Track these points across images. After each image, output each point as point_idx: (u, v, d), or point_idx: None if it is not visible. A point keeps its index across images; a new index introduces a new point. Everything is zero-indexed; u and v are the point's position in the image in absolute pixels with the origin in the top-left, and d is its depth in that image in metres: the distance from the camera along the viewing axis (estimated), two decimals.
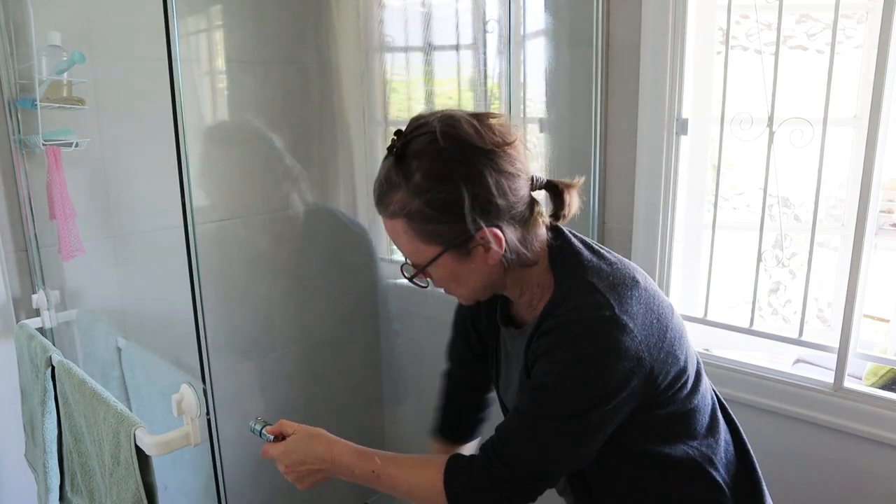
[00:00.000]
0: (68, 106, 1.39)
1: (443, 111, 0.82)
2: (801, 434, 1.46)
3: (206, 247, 1.78)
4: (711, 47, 1.54)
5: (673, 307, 0.89)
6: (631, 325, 0.80)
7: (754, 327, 1.54)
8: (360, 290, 2.24)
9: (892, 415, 1.34)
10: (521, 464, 0.84)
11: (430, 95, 1.94)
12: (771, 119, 1.43)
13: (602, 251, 0.90)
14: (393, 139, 0.81)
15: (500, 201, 0.79)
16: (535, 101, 1.77)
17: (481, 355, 1.08)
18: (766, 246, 1.52)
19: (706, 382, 0.95)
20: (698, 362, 0.92)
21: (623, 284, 0.83)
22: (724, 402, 1.00)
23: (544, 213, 0.88)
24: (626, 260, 0.90)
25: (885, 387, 1.58)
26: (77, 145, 1.40)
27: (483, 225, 0.79)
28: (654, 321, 0.83)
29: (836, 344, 1.41)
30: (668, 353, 0.84)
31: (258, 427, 1.01)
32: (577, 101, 1.62)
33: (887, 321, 1.88)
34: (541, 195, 0.89)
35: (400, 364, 2.30)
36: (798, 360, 1.71)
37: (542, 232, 0.88)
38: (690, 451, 0.90)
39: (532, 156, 0.85)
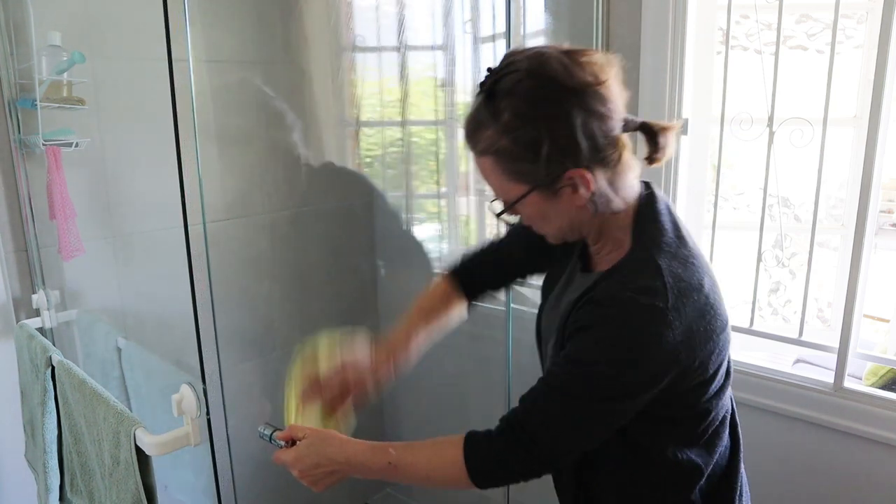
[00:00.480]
0: (68, 106, 1.39)
1: (535, 48, 0.79)
2: (801, 434, 1.46)
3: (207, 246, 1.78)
4: (711, 47, 1.54)
5: (727, 321, 0.84)
6: (677, 323, 0.77)
7: (754, 327, 1.54)
8: (360, 290, 2.24)
9: (892, 415, 1.34)
10: (548, 438, 0.83)
11: (405, 96, 1.94)
12: (771, 119, 1.43)
13: (686, 237, 0.86)
14: (485, 75, 0.80)
15: (587, 143, 0.77)
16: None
17: (542, 257, 1.05)
18: (766, 246, 1.52)
19: (727, 395, 0.93)
20: (728, 373, 0.89)
21: (689, 283, 0.80)
22: (737, 419, 0.99)
23: (637, 157, 0.84)
24: (703, 257, 0.86)
25: (885, 387, 1.58)
26: (77, 145, 1.40)
27: (570, 166, 0.78)
28: (702, 329, 0.80)
29: (836, 344, 1.41)
30: (701, 364, 0.81)
31: (267, 433, 1.00)
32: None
33: (887, 321, 1.88)
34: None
35: None
36: (798, 360, 1.71)
37: (634, 179, 0.84)
38: (681, 457, 0.88)
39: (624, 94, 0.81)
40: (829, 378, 1.43)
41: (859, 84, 1.52)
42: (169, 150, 0.93)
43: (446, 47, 1.84)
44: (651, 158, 0.86)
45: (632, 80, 1.52)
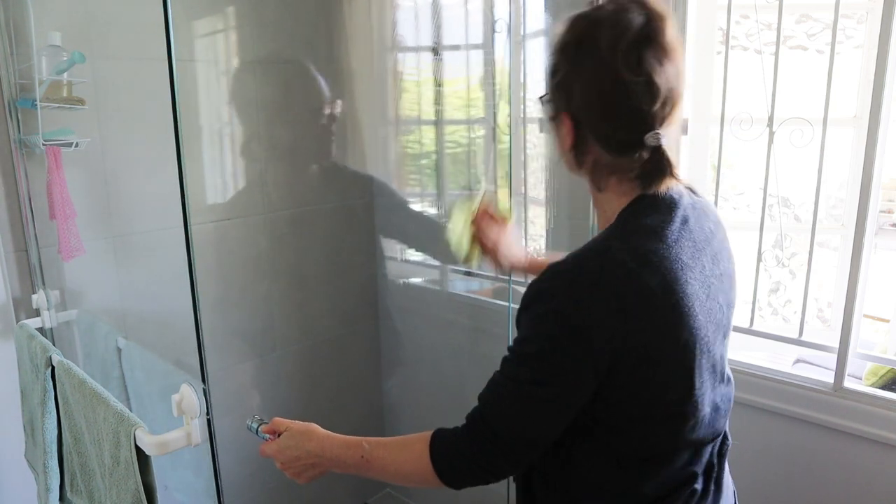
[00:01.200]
0: (68, 106, 1.39)
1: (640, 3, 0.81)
2: (801, 434, 1.46)
3: (206, 247, 1.78)
4: (711, 47, 1.54)
5: (694, 347, 0.80)
6: (604, 303, 0.75)
7: (754, 327, 1.54)
8: (360, 290, 2.24)
9: (892, 415, 1.34)
10: (506, 429, 0.82)
11: (439, 95, 1.94)
12: (771, 119, 1.43)
13: (669, 243, 0.81)
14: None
15: (593, 111, 0.81)
16: (536, 102, 1.77)
17: None
18: (766, 246, 1.52)
19: (686, 437, 0.85)
20: (695, 411, 0.83)
21: (632, 270, 0.77)
22: (714, 481, 0.92)
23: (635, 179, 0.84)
24: (684, 272, 0.81)
25: (885, 387, 1.58)
26: (77, 145, 1.40)
27: (564, 109, 0.84)
28: (640, 323, 0.76)
29: (836, 344, 1.41)
30: (640, 360, 0.77)
31: (254, 425, 1.04)
32: None
33: (887, 321, 1.88)
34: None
35: (400, 364, 2.30)
36: (798, 360, 1.71)
37: (626, 189, 0.85)
38: (609, 474, 0.85)
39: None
40: (829, 378, 1.43)
41: (859, 84, 1.52)
42: (169, 150, 0.92)
43: (485, 46, 1.85)
44: (644, 177, 0.84)
45: None
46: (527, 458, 0.85)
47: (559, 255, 0.84)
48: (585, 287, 0.77)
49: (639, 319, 0.76)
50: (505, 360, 0.86)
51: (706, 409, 0.85)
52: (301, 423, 0.99)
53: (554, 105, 0.86)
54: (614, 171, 0.85)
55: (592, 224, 1.62)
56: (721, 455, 0.94)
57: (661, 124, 0.80)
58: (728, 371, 0.93)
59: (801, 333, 1.49)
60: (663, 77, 0.78)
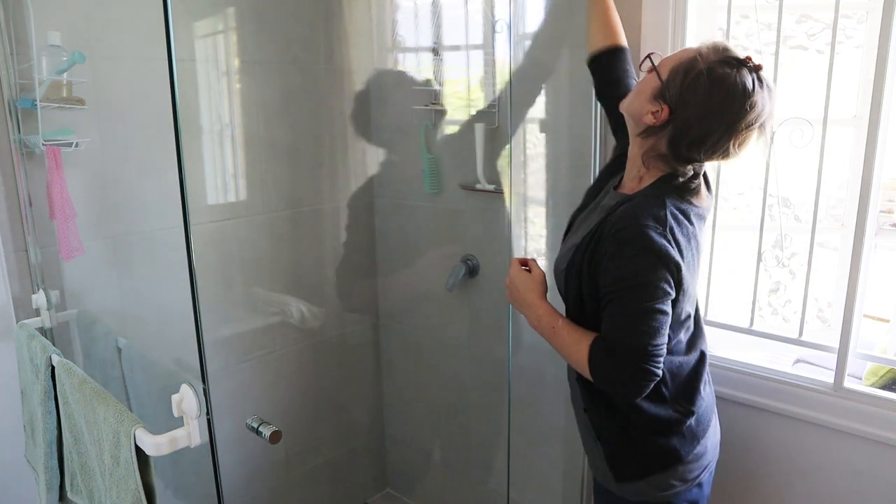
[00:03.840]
0: (68, 106, 1.39)
1: (761, 71, 1.06)
2: (801, 434, 1.46)
3: (206, 247, 1.78)
4: None
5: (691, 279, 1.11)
6: (673, 241, 1.06)
7: (754, 327, 1.54)
8: (360, 290, 2.24)
9: (892, 415, 1.34)
10: (641, 346, 1.03)
11: (439, 95, 1.94)
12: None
13: (683, 223, 1.10)
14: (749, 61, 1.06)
15: (690, 131, 1.06)
16: (536, 101, 1.77)
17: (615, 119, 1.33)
18: (766, 246, 1.52)
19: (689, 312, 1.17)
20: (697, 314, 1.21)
21: (681, 220, 1.09)
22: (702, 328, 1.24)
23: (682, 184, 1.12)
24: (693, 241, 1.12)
25: (885, 387, 1.58)
26: (77, 145, 1.40)
27: (669, 105, 1.06)
28: (687, 253, 1.08)
29: (836, 344, 1.41)
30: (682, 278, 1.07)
31: (255, 424, 1.05)
32: (577, 101, 1.62)
33: (887, 321, 1.87)
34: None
35: (400, 364, 2.30)
36: (798, 360, 1.71)
37: (662, 168, 1.13)
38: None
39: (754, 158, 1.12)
40: (829, 378, 1.43)
41: (859, 84, 1.52)
42: (169, 150, 0.92)
43: (485, 47, 1.85)
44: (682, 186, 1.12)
45: (632, 81, 1.52)
46: (660, 363, 1.06)
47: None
48: (660, 234, 1.05)
49: (683, 253, 1.07)
50: (612, 300, 1.07)
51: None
52: (539, 277, 1.23)
53: (665, 92, 1.07)
54: (662, 160, 1.11)
55: None
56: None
57: (706, 162, 1.12)
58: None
59: (801, 333, 1.49)
60: (744, 151, 1.08)
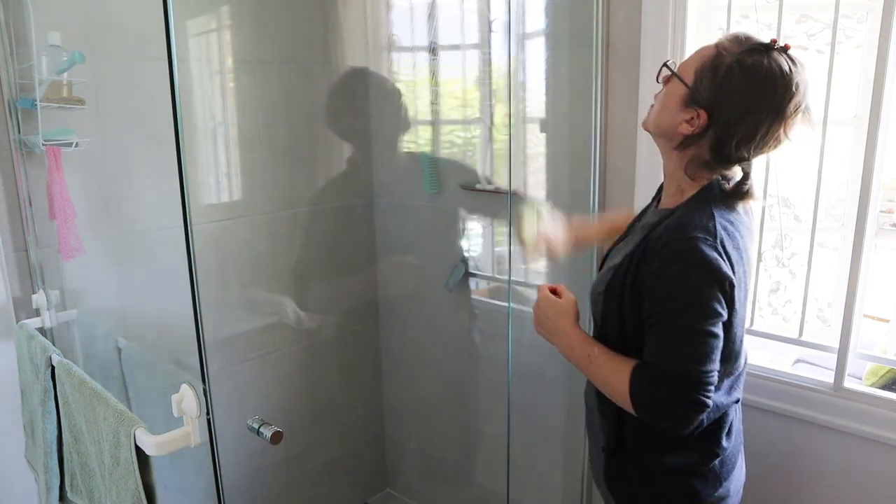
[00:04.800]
0: (68, 106, 1.39)
1: (802, 64, 0.99)
2: (801, 434, 1.46)
3: (206, 247, 1.78)
4: None
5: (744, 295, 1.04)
6: (724, 253, 0.97)
7: (754, 327, 1.54)
8: (360, 290, 2.24)
9: (892, 415, 1.34)
10: (692, 369, 0.95)
11: (435, 95, 1.94)
12: None
13: (734, 234, 1.02)
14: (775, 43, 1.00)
15: (735, 129, 0.98)
16: (535, 101, 1.77)
17: None
18: (766, 246, 1.52)
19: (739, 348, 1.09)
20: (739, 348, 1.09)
21: (731, 232, 1.00)
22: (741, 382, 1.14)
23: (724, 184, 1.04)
24: (742, 253, 1.03)
25: (885, 387, 1.58)
26: (77, 145, 1.40)
27: (706, 108, 0.99)
28: (737, 267, 0.99)
29: (836, 344, 1.41)
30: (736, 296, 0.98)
31: (255, 425, 1.05)
32: (577, 101, 1.62)
33: (887, 321, 1.87)
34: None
35: (400, 364, 2.30)
36: (798, 360, 1.71)
37: (705, 176, 1.05)
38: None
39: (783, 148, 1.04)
40: (829, 378, 1.43)
41: (859, 84, 1.52)
42: (169, 150, 0.92)
43: (481, 46, 1.85)
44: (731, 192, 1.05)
45: (632, 81, 1.53)
46: (712, 388, 0.97)
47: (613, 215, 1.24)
48: (711, 246, 0.96)
49: (735, 268, 0.98)
50: (659, 320, 0.98)
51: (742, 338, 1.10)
52: (571, 303, 1.14)
53: (696, 96, 1.00)
54: (706, 167, 1.03)
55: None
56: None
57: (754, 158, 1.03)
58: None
59: (801, 333, 1.49)
60: (792, 138, 1.01)
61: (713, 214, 0.99)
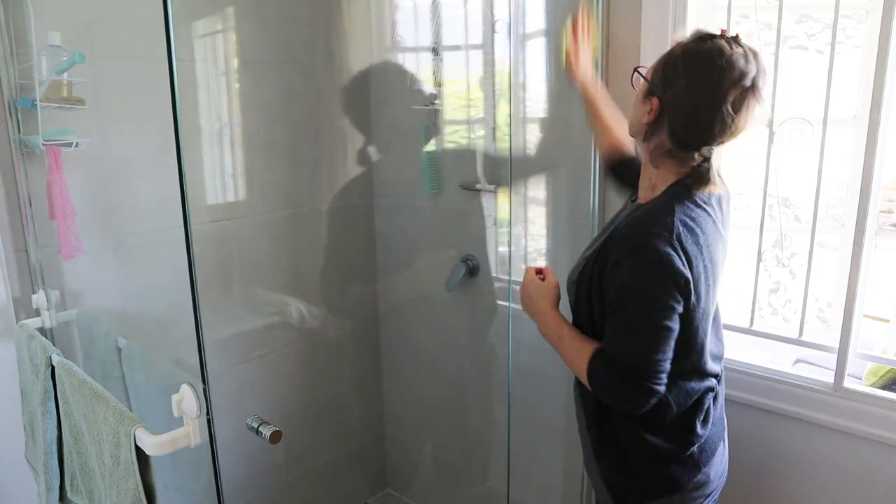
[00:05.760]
0: (68, 106, 1.39)
1: (751, 50, 1.03)
2: (801, 434, 1.46)
3: (206, 247, 1.78)
4: None
5: (710, 297, 1.08)
6: (680, 248, 1.01)
7: (754, 327, 1.54)
8: (360, 290, 2.24)
9: (892, 415, 1.34)
10: (644, 360, 1.01)
11: (438, 95, 1.94)
12: (771, 119, 1.43)
13: (699, 233, 1.05)
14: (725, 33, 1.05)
15: (681, 110, 1.03)
16: (535, 101, 1.77)
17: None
18: (766, 246, 1.52)
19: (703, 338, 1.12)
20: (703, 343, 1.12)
21: (692, 229, 1.04)
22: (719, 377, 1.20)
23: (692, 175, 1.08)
24: (707, 251, 1.06)
25: (885, 387, 1.58)
26: (77, 145, 1.40)
27: (658, 96, 1.05)
28: (698, 265, 1.03)
29: (836, 344, 1.41)
30: (696, 293, 1.03)
31: (255, 425, 1.04)
32: (577, 101, 1.62)
33: (887, 321, 1.87)
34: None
35: (400, 364, 2.30)
36: (798, 360, 1.71)
37: (673, 170, 1.09)
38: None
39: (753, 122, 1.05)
40: (829, 378, 1.43)
41: (859, 84, 1.52)
42: (169, 150, 0.92)
43: (485, 46, 1.85)
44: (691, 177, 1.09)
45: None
46: (662, 379, 1.04)
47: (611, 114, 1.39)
48: (666, 241, 1.00)
49: (693, 263, 1.02)
50: (615, 308, 1.04)
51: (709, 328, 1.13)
52: (552, 286, 1.22)
53: (651, 86, 1.07)
54: (670, 156, 1.08)
55: (592, 223, 1.63)
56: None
57: (717, 145, 1.06)
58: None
59: (801, 333, 1.49)
60: (744, 118, 1.03)
61: (674, 210, 1.04)
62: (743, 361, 1.53)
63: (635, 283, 1.01)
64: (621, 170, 1.38)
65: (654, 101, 1.06)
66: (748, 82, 1.01)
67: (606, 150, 1.42)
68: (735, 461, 1.55)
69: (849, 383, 1.41)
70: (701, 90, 1.02)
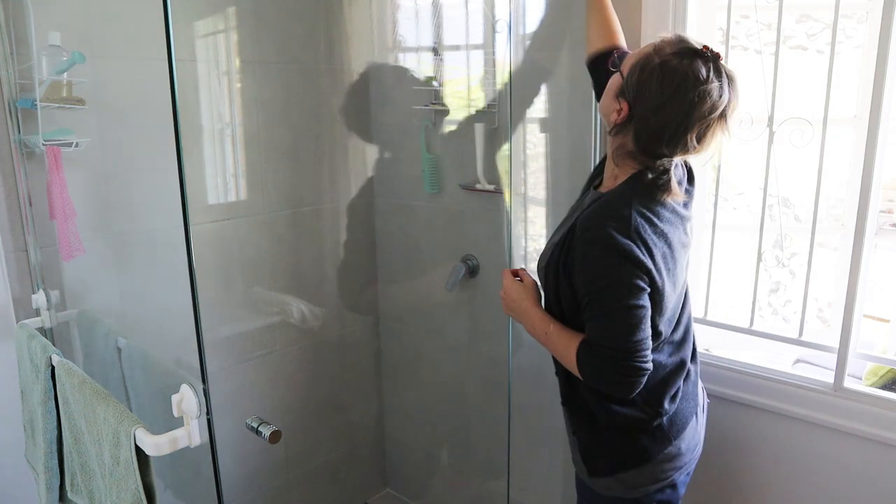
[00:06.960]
0: (68, 106, 1.39)
1: (720, 60, 1.05)
2: (801, 434, 1.46)
3: (206, 247, 1.78)
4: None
5: (670, 289, 1.11)
6: (638, 238, 1.05)
7: (754, 327, 1.54)
8: (360, 289, 2.24)
9: (892, 415, 1.34)
10: (624, 344, 1.05)
11: (439, 95, 1.94)
12: (771, 119, 1.43)
13: (657, 223, 1.09)
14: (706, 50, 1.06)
15: (649, 124, 1.05)
16: (535, 101, 1.76)
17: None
18: (766, 246, 1.52)
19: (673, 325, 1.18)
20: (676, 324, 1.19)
21: (651, 220, 1.08)
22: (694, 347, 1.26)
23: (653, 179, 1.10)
24: (667, 238, 1.10)
25: (885, 387, 1.58)
26: (77, 145, 1.40)
27: (629, 101, 1.07)
28: (658, 253, 1.07)
29: (836, 344, 1.41)
30: (661, 280, 1.08)
31: (255, 424, 1.05)
32: (577, 101, 1.62)
33: (887, 321, 1.87)
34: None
35: (400, 364, 2.30)
36: (798, 360, 1.71)
37: (628, 165, 1.13)
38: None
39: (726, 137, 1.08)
40: (829, 378, 1.43)
41: (859, 84, 1.52)
42: (169, 150, 0.92)
43: (486, 46, 1.85)
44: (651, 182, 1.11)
45: None
46: (646, 359, 1.07)
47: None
48: (622, 232, 1.05)
49: (653, 252, 1.07)
50: (589, 302, 1.08)
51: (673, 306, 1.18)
52: (531, 285, 1.26)
53: (624, 88, 1.08)
54: (632, 157, 1.11)
55: None
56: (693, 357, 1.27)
57: (676, 158, 1.10)
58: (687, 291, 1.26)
59: (801, 333, 1.49)
60: (706, 145, 1.06)
61: (631, 203, 1.07)
62: (743, 361, 1.53)
63: (602, 272, 1.05)
64: (601, 61, 1.33)
65: (625, 104, 1.08)
66: (717, 115, 1.04)
67: (596, 32, 1.37)
68: (735, 461, 1.55)
69: (849, 383, 1.41)
70: (669, 115, 1.03)
